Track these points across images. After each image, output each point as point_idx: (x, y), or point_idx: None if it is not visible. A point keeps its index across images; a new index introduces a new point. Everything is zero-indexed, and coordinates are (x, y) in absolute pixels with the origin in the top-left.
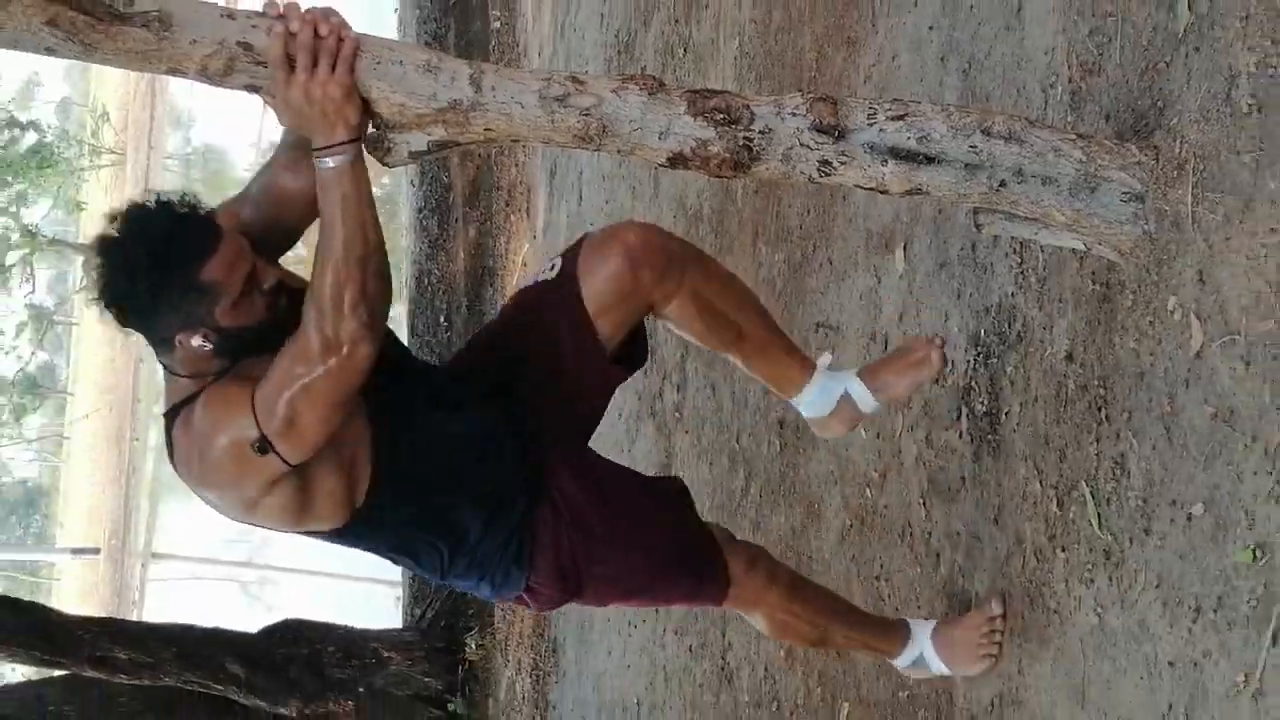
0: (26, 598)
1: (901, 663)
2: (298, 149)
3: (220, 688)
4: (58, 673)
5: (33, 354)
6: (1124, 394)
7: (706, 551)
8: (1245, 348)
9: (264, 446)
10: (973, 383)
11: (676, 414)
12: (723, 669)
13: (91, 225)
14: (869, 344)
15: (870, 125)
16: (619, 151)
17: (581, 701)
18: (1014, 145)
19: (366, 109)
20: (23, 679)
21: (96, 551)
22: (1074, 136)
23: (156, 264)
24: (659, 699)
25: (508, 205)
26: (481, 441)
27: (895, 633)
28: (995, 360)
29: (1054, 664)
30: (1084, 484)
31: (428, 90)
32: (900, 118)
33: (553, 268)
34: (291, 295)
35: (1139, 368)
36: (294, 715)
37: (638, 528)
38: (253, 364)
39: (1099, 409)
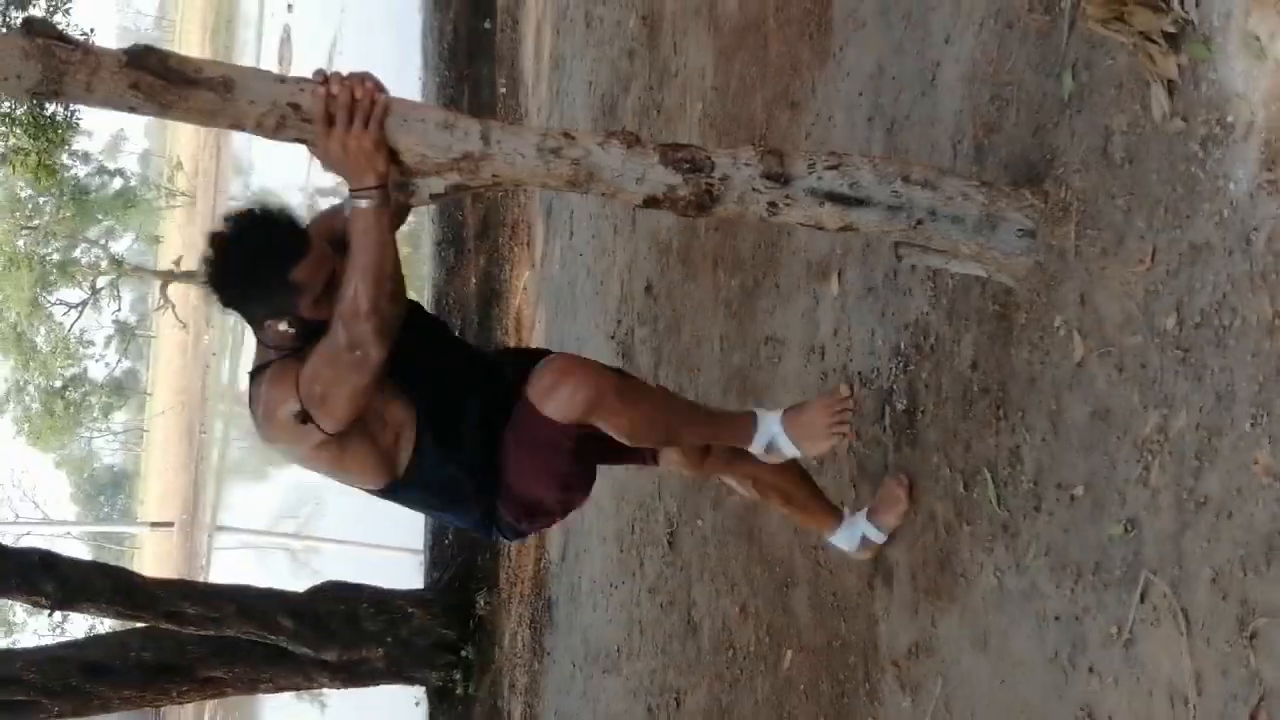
0: (113, 564)
1: (756, 447)
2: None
3: (273, 637)
4: (139, 625)
5: (118, 361)
6: (1018, 396)
7: (546, 437)
8: (1119, 358)
9: (305, 418)
10: (894, 386)
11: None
12: (688, 621)
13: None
14: (809, 354)
15: (810, 173)
16: (603, 194)
17: (571, 649)
18: (929, 190)
19: (394, 158)
20: (109, 630)
21: (170, 525)
22: (978, 184)
23: (254, 263)
24: (635, 647)
25: (511, 239)
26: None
27: (743, 422)
28: (913, 368)
29: (960, 618)
30: (985, 469)
31: (445, 143)
32: (835, 167)
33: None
34: None
35: (1031, 374)
36: (334, 660)
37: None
38: (311, 347)
39: (998, 408)
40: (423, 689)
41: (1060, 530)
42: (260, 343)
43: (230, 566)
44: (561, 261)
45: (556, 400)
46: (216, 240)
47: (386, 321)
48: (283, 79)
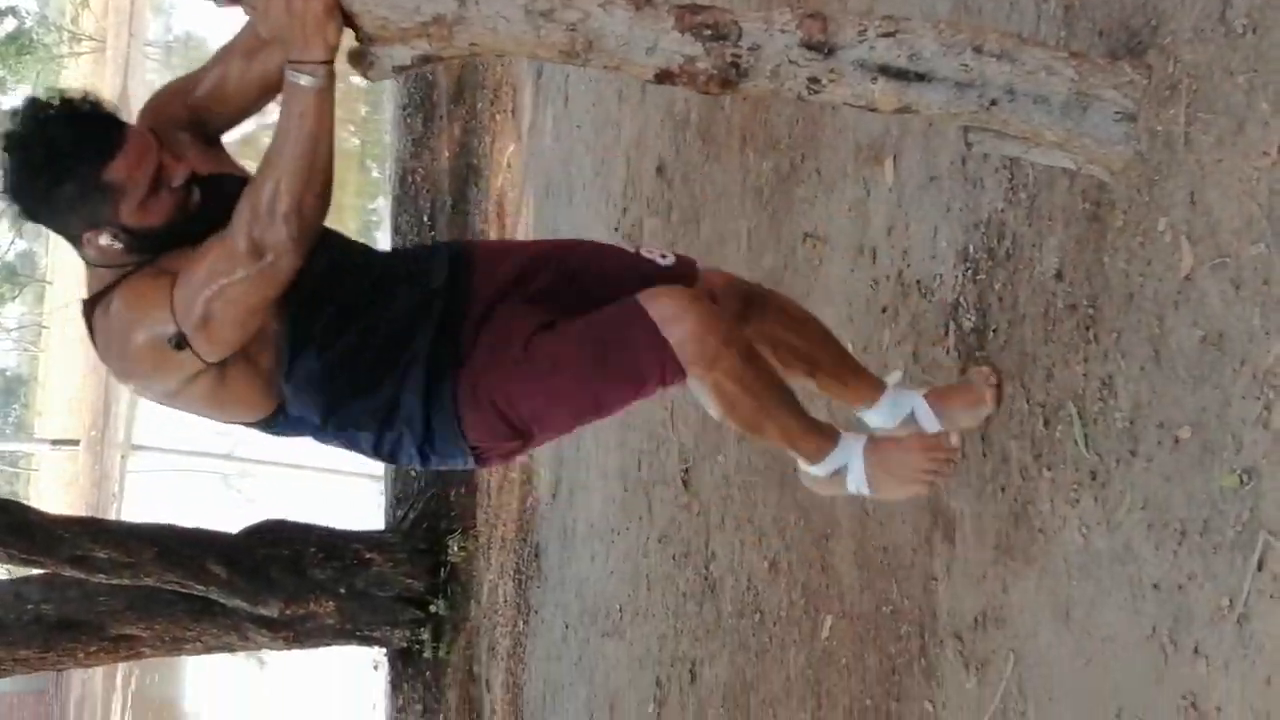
0: (5, 491)
1: (819, 469)
2: (261, 36)
3: (201, 588)
4: (36, 571)
5: (11, 243)
6: (1113, 314)
7: (634, 336)
8: (1236, 271)
9: (180, 343)
10: (960, 299)
11: None
12: (706, 578)
13: None
14: (857, 256)
15: (860, 42)
16: (605, 67)
17: (564, 606)
18: (1006, 63)
19: (349, 22)
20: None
21: (75, 443)
22: (1066, 55)
23: (55, 164)
24: (642, 606)
25: (493, 104)
26: (395, 317)
27: (826, 434)
28: (983, 277)
29: (1038, 583)
30: (1071, 404)
31: (411, 3)
32: (890, 34)
33: (664, 258)
34: (210, 188)
35: (1128, 289)
36: (275, 615)
37: (543, 347)
38: (172, 257)
39: (1087, 329)
40: (383, 650)
41: (1161, 480)
42: (86, 262)
43: (148, 495)
44: (554, 134)
45: (691, 341)
46: (12, 141)
47: (309, 225)
48: None
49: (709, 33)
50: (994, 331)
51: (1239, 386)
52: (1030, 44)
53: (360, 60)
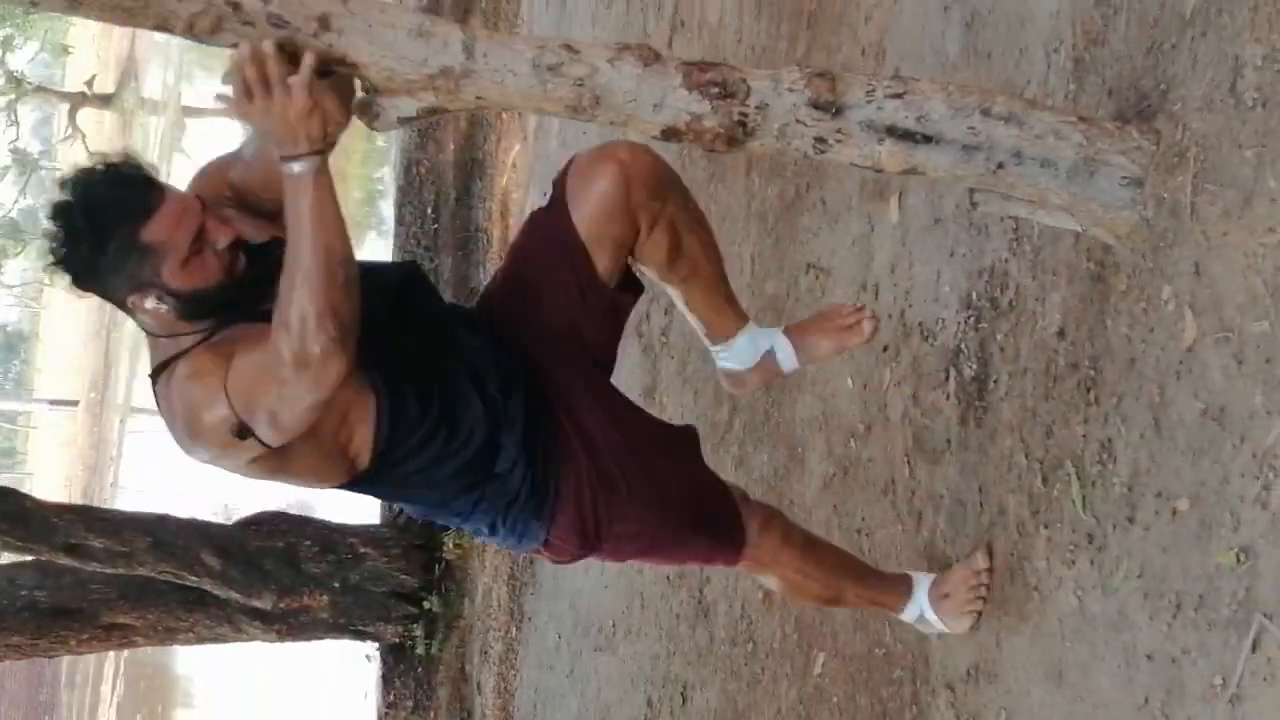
0: (4, 448)
1: (908, 617)
2: None
3: (195, 579)
4: (29, 557)
5: (16, 201)
6: (1114, 378)
7: (725, 511)
8: (1239, 347)
9: (243, 433)
10: (962, 345)
11: (663, 338)
12: (699, 602)
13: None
14: (859, 292)
15: (869, 102)
16: (611, 123)
17: (557, 616)
18: (1014, 127)
19: (356, 73)
20: None
21: (74, 404)
22: (1075, 119)
23: (94, 226)
24: (635, 624)
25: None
26: (488, 395)
27: (900, 587)
28: (985, 326)
29: (1031, 641)
30: (1070, 464)
31: (419, 56)
32: (899, 95)
33: (545, 194)
34: (264, 254)
35: (1130, 354)
36: (268, 608)
37: (663, 484)
38: (233, 332)
39: (1088, 390)
40: (375, 645)
41: (1158, 550)
42: (145, 331)
43: (147, 458)
44: (560, 138)
45: (753, 548)
46: (54, 210)
47: (345, 324)
48: None
49: (717, 91)
50: (995, 382)
51: (1238, 464)
52: (1039, 108)
53: (366, 111)
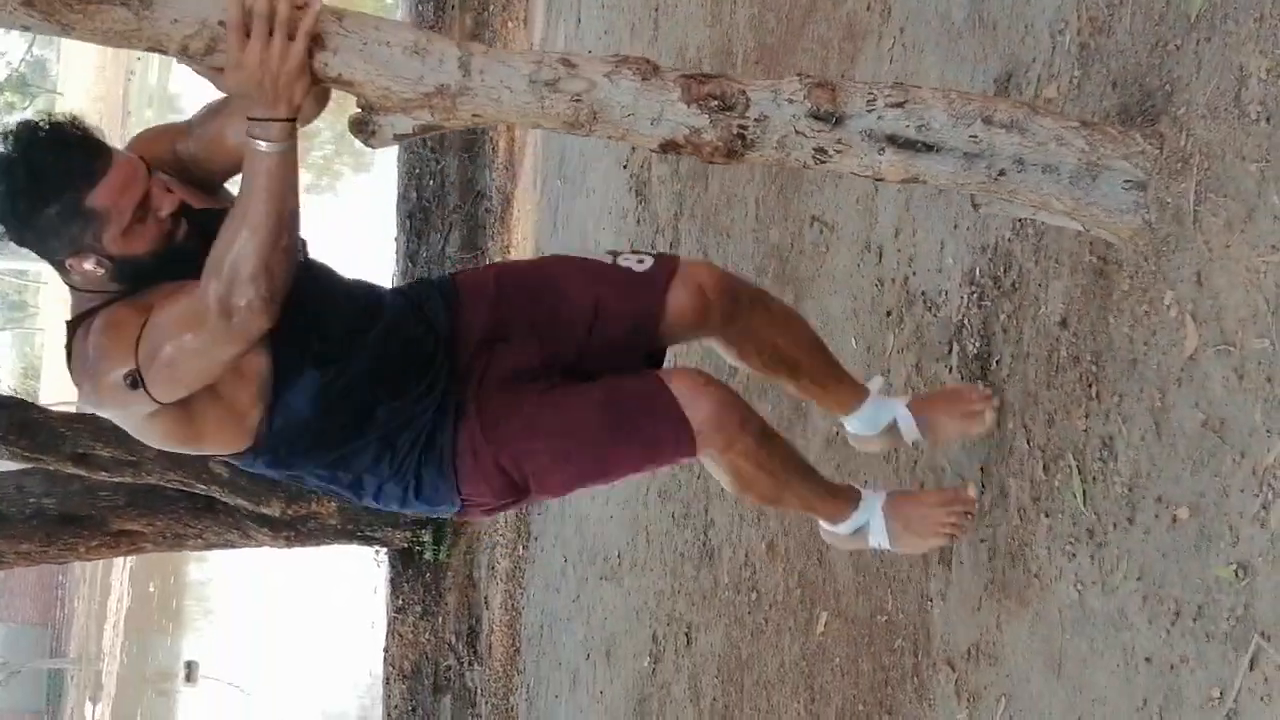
0: (15, 302)
1: (841, 528)
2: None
3: (203, 487)
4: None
5: (24, 56)
6: (1115, 376)
7: (655, 407)
8: (1239, 361)
9: (135, 382)
10: (965, 321)
11: None
12: (704, 544)
13: None
14: (864, 252)
15: (869, 112)
16: (610, 137)
17: (564, 540)
18: (1016, 134)
19: (352, 90)
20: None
21: None
22: (1077, 124)
23: (37, 187)
24: (640, 557)
25: (504, 10)
26: (388, 362)
27: (845, 497)
28: (989, 304)
29: (1032, 628)
30: (1071, 456)
31: (414, 73)
32: (900, 105)
33: (641, 262)
34: (202, 221)
35: (1132, 354)
36: (276, 514)
37: (558, 408)
38: (155, 291)
39: (1089, 385)
40: (384, 549)
41: (1157, 554)
42: (71, 287)
43: None
44: (565, 45)
45: (707, 423)
46: None
47: (278, 285)
48: None
49: (716, 104)
50: (997, 362)
51: (1238, 479)
52: (1041, 114)
53: (362, 128)
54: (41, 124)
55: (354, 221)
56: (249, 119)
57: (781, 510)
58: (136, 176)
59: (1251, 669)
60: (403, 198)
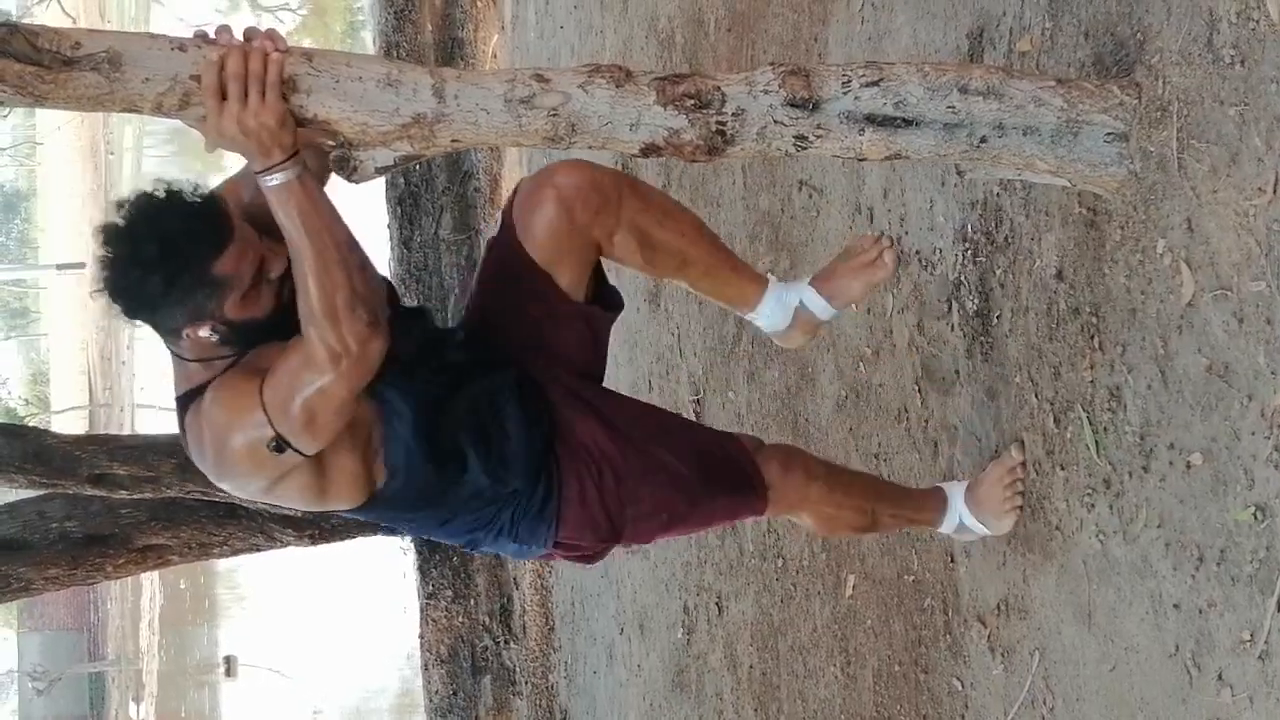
0: (16, 309)
1: (945, 529)
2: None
3: (222, 495)
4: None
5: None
6: (1116, 326)
7: (737, 465)
8: (1238, 304)
9: (280, 445)
10: (962, 278)
11: None
12: None
13: None
14: (854, 214)
15: (845, 93)
16: (590, 147)
17: None
18: (993, 100)
19: (327, 128)
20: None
21: (82, 266)
22: (1054, 83)
23: (168, 259)
24: None
25: None
26: (487, 408)
27: (933, 501)
28: (984, 260)
29: (1058, 580)
30: (1080, 408)
31: (390, 105)
32: (875, 83)
33: (497, 222)
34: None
35: (1130, 303)
36: (298, 515)
37: (663, 463)
38: (260, 353)
39: (1091, 335)
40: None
41: (1175, 500)
42: (176, 357)
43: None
44: (538, 30)
45: (777, 489)
46: (111, 234)
47: (371, 305)
48: (181, 45)
49: (692, 103)
50: (998, 318)
51: (1247, 422)
52: (1017, 77)
53: (344, 166)
54: (158, 192)
55: (345, 213)
56: (259, 171)
57: (884, 533)
58: (252, 241)
59: (1279, 610)
60: (391, 184)
